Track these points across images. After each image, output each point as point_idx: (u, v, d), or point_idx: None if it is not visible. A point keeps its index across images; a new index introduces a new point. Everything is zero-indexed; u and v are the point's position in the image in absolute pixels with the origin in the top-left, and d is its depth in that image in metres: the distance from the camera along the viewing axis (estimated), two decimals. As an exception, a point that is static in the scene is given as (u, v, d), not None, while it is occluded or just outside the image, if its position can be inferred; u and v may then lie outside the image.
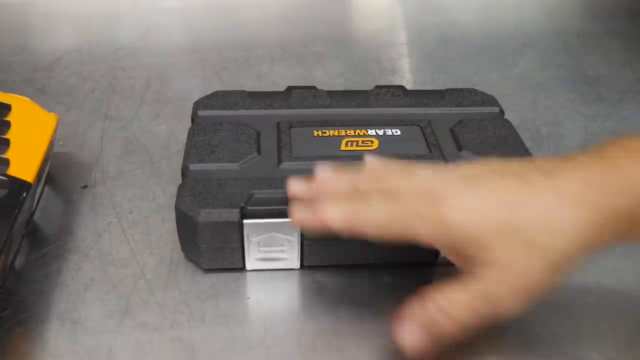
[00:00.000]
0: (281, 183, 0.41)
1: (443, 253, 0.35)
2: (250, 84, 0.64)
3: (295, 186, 0.38)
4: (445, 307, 0.33)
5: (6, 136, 0.44)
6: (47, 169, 0.47)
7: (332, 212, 0.35)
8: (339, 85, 0.65)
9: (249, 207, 0.39)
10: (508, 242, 0.32)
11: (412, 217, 0.33)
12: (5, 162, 0.42)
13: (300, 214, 0.36)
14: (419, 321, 0.33)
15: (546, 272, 0.32)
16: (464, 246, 0.32)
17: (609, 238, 0.32)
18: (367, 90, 0.51)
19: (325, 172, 0.37)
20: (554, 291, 0.33)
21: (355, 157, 0.44)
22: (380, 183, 0.35)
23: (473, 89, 0.52)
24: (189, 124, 0.48)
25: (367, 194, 0.35)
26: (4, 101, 0.47)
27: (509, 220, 0.32)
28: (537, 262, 0.32)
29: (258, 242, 0.40)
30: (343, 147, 0.45)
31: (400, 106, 0.50)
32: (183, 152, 0.44)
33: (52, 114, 0.48)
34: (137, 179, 0.50)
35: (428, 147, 0.45)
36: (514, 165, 0.34)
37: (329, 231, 0.35)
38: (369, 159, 0.38)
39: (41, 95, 0.61)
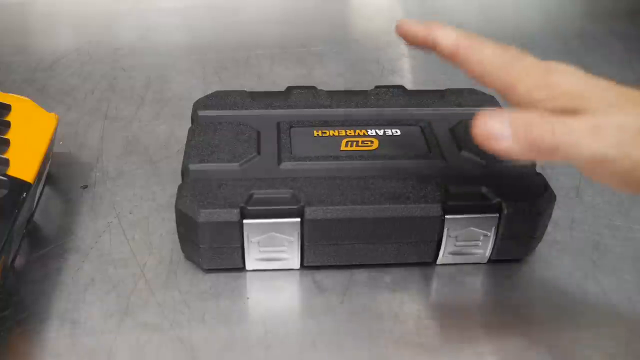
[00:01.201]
0: (281, 183, 0.41)
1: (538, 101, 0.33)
2: (250, 84, 0.64)
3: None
4: (552, 118, 0.31)
5: (6, 136, 0.44)
6: (47, 169, 0.47)
7: (445, 30, 0.35)
8: (339, 85, 0.65)
9: (249, 207, 0.39)
10: (618, 108, 0.31)
11: (517, 67, 0.33)
12: (5, 162, 0.42)
13: (409, 22, 0.36)
14: (516, 118, 0.31)
15: None
16: (565, 107, 0.31)
17: None
18: (367, 90, 0.51)
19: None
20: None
21: (355, 157, 0.44)
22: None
23: (473, 88, 0.52)
24: (189, 124, 0.48)
25: (486, 39, 0.35)
26: (4, 101, 0.47)
27: (620, 95, 0.32)
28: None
29: (258, 242, 0.40)
30: (343, 147, 0.45)
31: (400, 106, 0.50)
32: (183, 152, 0.44)
33: (52, 114, 0.48)
34: (137, 179, 0.50)
35: (428, 147, 0.45)
36: None
37: (431, 46, 0.35)
38: None
39: (41, 95, 0.61)
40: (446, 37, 0.35)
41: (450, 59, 0.35)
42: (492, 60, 0.34)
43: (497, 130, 0.31)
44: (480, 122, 0.32)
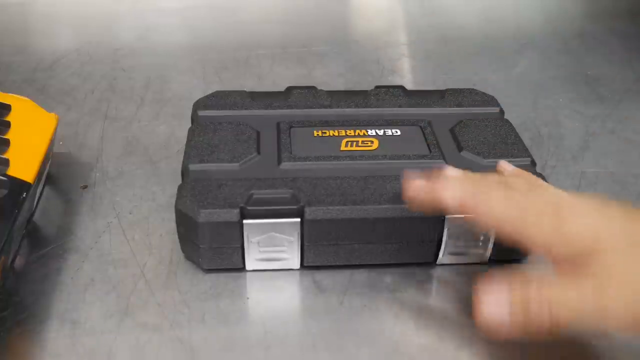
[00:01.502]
0: (281, 183, 0.41)
1: (550, 260, 0.33)
2: (250, 84, 0.64)
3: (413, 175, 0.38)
4: (548, 294, 0.31)
5: (6, 136, 0.44)
6: (47, 169, 0.47)
7: (450, 189, 0.35)
8: (339, 85, 0.65)
9: (249, 207, 0.39)
10: (628, 255, 0.31)
11: (530, 215, 0.33)
12: (5, 162, 0.42)
13: (416, 185, 0.36)
14: (513, 299, 0.32)
15: None
16: (577, 252, 0.31)
17: None
18: (367, 90, 0.51)
19: (447, 168, 0.38)
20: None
21: (355, 157, 0.44)
22: (505, 183, 0.35)
23: (473, 89, 0.52)
24: (189, 124, 0.48)
25: (490, 185, 0.35)
26: (4, 101, 0.47)
27: (633, 237, 0.31)
28: None
29: (258, 242, 0.40)
30: (343, 147, 0.45)
31: (400, 106, 0.50)
32: (183, 152, 0.44)
33: (52, 114, 0.48)
34: (137, 179, 0.50)
35: (428, 147, 0.45)
36: None
37: (440, 207, 0.35)
38: (503, 165, 0.40)
39: (41, 95, 0.61)
40: (451, 198, 0.35)
41: (460, 214, 0.36)
42: (502, 213, 0.33)
43: (496, 319, 0.32)
44: (480, 308, 0.32)
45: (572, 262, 0.31)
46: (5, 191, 0.40)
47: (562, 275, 0.32)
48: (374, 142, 0.46)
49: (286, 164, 0.43)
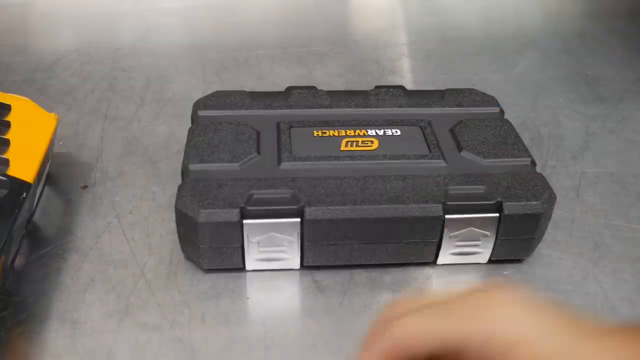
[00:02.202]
0: (281, 183, 0.41)
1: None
2: (250, 84, 0.64)
3: None
4: None
5: (6, 136, 0.44)
6: (47, 169, 0.47)
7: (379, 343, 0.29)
8: (339, 85, 0.65)
9: (249, 207, 0.39)
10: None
11: (454, 310, 0.29)
12: (5, 163, 0.42)
13: None
14: None
15: None
16: (498, 345, 0.27)
17: None
18: (367, 90, 0.51)
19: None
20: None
21: (355, 157, 0.44)
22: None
23: (473, 89, 0.52)
24: (189, 124, 0.48)
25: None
26: (4, 101, 0.47)
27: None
28: None
29: (258, 242, 0.40)
30: (343, 147, 0.45)
31: (400, 106, 0.50)
32: (183, 152, 0.44)
33: (52, 114, 0.48)
34: (137, 179, 0.50)
35: (428, 147, 0.45)
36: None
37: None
38: None
39: (41, 95, 0.61)
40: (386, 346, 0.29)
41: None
42: (424, 324, 0.29)
43: None
44: None
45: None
46: (5, 191, 0.40)
47: None
48: (374, 142, 0.46)
49: (286, 164, 0.43)
